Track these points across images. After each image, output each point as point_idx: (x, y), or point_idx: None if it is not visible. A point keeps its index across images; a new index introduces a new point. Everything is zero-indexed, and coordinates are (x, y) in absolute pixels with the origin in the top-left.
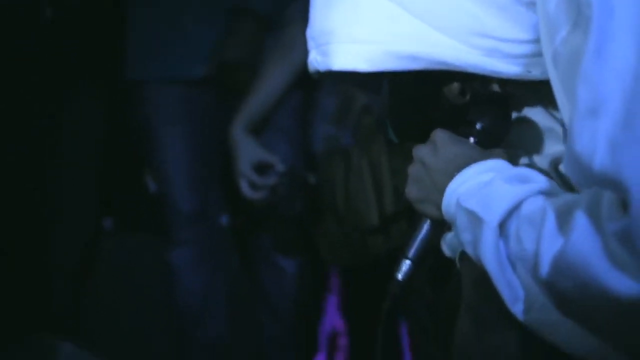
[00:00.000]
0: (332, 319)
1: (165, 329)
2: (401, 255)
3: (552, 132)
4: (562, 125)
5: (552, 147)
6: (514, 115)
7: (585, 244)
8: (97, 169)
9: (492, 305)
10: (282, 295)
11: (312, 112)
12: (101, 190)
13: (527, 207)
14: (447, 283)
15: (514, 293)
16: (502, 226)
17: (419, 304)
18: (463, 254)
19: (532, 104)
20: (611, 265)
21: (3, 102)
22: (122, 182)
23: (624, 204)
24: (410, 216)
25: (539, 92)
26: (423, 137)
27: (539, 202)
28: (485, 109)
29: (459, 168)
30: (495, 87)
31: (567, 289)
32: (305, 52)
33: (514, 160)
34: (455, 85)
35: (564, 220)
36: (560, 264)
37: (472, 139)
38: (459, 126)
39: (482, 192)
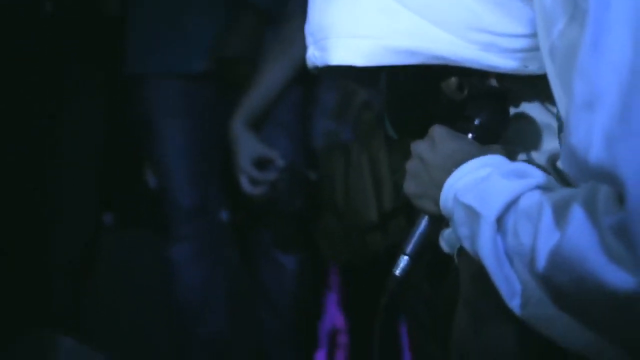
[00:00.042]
0: (333, 316)
1: (165, 325)
2: (399, 251)
3: (550, 128)
4: (558, 119)
5: (550, 144)
6: (512, 111)
7: (581, 237)
8: (97, 169)
9: (489, 300)
10: (282, 291)
11: (312, 107)
12: (102, 187)
13: (525, 202)
14: (445, 279)
15: (511, 288)
16: (500, 221)
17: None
18: (461, 250)
19: (529, 99)
20: (607, 259)
21: (3, 102)
22: (123, 178)
23: (621, 198)
24: (408, 213)
25: (535, 87)
26: (421, 133)
27: (536, 196)
28: (483, 104)
29: (457, 164)
30: (493, 82)
31: (563, 283)
32: (305, 47)
33: (511, 157)
34: (453, 81)
35: (560, 214)
36: (557, 258)
37: (470, 135)
38: (457, 122)
39: (480, 187)
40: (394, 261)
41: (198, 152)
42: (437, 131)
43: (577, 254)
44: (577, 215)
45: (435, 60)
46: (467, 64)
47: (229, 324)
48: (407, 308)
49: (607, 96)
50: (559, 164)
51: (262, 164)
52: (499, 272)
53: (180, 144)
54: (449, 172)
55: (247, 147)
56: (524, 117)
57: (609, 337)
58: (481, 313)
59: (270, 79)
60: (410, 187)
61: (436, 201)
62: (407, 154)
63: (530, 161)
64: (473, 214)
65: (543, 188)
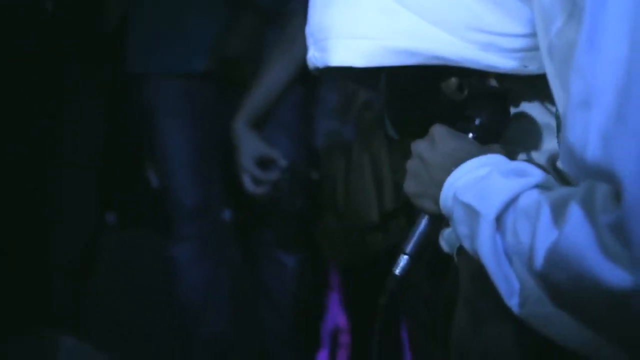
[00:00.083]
0: (335, 315)
1: (166, 325)
2: (399, 250)
3: (549, 127)
4: (557, 118)
5: (550, 143)
6: (512, 111)
7: (578, 236)
8: (97, 169)
9: (489, 299)
10: (283, 291)
11: (313, 107)
12: (104, 186)
13: (524, 201)
14: (444, 278)
15: (510, 286)
16: (499, 220)
17: (417, 299)
18: (460, 249)
19: (529, 99)
20: (604, 257)
21: (3, 102)
22: (125, 178)
23: (618, 196)
24: (409, 213)
25: (535, 86)
26: (421, 133)
27: (535, 195)
28: (484, 104)
29: (457, 163)
30: (493, 82)
31: (561, 281)
32: (306, 47)
33: (511, 156)
34: (453, 81)
35: (558, 213)
36: (554, 256)
37: (470, 135)
38: (457, 122)
39: (479, 185)
40: (394, 261)
41: (199, 151)
42: (437, 130)
43: (574, 252)
44: (575, 213)
45: (435, 61)
46: (467, 64)
47: (231, 324)
48: (407, 307)
49: (603, 94)
50: (559, 164)
51: (264, 163)
52: (498, 270)
53: (182, 143)
54: (448, 171)
55: (250, 146)
56: (523, 117)
57: (606, 335)
58: (481, 312)
59: (272, 78)
60: (410, 186)
61: (436, 200)
62: (407, 154)
63: (530, 161)
64: (472, 213)
65: (542, 187)
